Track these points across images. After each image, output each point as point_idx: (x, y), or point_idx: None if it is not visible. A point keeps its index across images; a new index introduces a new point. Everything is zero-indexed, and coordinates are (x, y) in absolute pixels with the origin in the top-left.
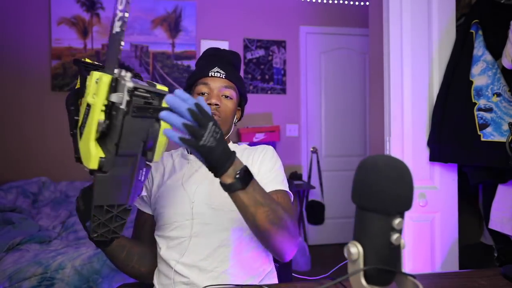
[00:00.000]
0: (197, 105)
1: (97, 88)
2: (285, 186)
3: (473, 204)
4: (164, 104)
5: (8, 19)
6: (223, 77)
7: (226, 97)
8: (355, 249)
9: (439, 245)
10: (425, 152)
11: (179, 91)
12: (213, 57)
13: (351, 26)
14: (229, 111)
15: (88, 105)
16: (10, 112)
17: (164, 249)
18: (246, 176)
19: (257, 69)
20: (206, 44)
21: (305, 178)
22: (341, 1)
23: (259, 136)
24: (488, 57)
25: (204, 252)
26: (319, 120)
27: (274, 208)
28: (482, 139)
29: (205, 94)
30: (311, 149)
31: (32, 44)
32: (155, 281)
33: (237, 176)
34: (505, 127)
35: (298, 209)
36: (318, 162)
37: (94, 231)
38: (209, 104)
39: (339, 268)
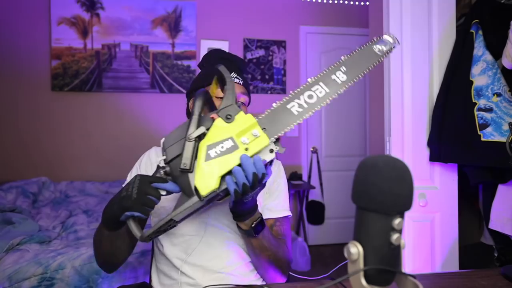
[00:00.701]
0: (262, 174)
1: (255, 142)
2: (288, 208)
3: (473, 204)
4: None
5: (8, 19)
6: (241, 83)
7: (242, 103)
8: (355, 249)
9: (439, 245)
10: (425, 152)
11: (257, 158)
12: (228, 62)
13: (351, 26)
14: None
15: (232, 139)
16: (10, 112)
17: (168, 247)
18: (259, 226)
19: (257, 69)
20: (206, 44)
21: (305, 178)
22: (341, 1)
23: None
24: (488, 57)
25: (212, 252)
26: (319, 120)
27: (275, 253)
28: (482, 139)
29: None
30: (311, 149)
31: (32, 44)
32: (154, 281)
33: (253, 226)
34: (505, 127)
35: (298, 209)
36: (318, 162)
37: (149, 237)
38: None
39: (339, 268)
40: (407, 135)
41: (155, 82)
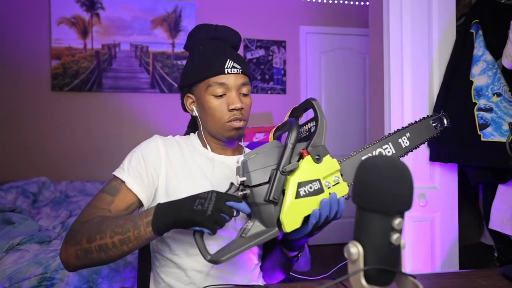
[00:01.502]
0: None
1: (336, 187)
2: None
3: (473, 204)
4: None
5: (8, 19)
6: (240, 72)
7: (244, 95)
8: (355, 249)
9: (439, 245)
10: (425, 152)
11: (341, 200)
12: (220, 44)
13: (351, 26)
14: (249, 109)
15: (319, 182)
16: (10, 112)
17: (184, 257)
18: (298, 258)
19: (257, 69)
20: None
21: None
22: (341, 1)
23: (259, 136)
24: (488, 57)
25: (235, 262)
26: None
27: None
28: (482, 139)
29: (223, 96)
30: None
31: (32, 44)
32: None
33: (299, 255)
34: (505, 127)
35: None
36: None
37: (224, 261)
38: (234, 109)
39: (339, 268)
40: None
41: (155, 82)
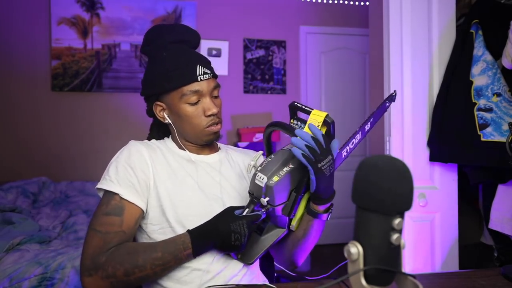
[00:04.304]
0: (322, 137)
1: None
2: None
3: (473, 204)
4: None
5: (8, 19)
6: (211, 77)
7: (215, 97)
8: (355, 249)
9: (439, 245)
10: (425, 152)
11: (313, 129)
12: (184, 48)
13: (351, 26)
14: (221, 108)
15: None
16: (10, 112)
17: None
18: (330, 212)
19: (257, 69)
20: (206, 44)
21: None
22: (341, 1)
23: (259, 136)
24: (488, 57)
25: (228, 259)
26: None
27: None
28: (482, 139)
29: (198, 102)
30: None
31: (32, 44)
32: None
33: (330, 211)
34: (505, 127)
35: None
36: None
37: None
38: (211, 115)
39: (339, 268)
40: (407, 135)
41: None
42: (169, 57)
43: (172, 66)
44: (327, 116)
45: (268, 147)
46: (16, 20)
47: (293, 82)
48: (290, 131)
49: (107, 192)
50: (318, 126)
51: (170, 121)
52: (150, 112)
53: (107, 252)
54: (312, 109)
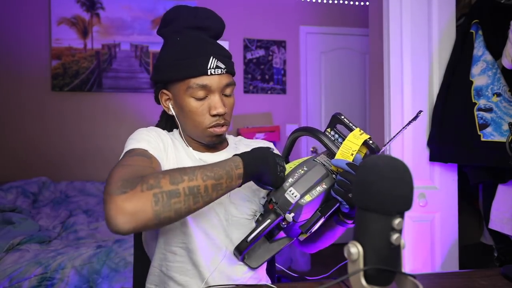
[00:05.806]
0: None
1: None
2: None
3: (473, 204)
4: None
5: (8, 19)
6: (224, 72)
7: (228, 96)
8: (355, 249)
9: (439, 245)
10: (425, 152)
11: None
12: (201, 36)
13: (351, 26)
14: (231, 110)
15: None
16: (10, 112)
17: (195, 251)
18: None
19: (257, 69)
20: None
21: None
22: (341, 1)
23: (259, 136)
24: (488, 57)
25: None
26: (319, 120)
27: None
28: (482, 139)
29: (205, 98)
30: (311, 149)
31: (32, 44)
32: None
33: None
34: (505, 127)
35: None
36: None
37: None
38: (217, 115)
39: (339, 268)
40: (407, 135)
41: None
42: (181, 44)
43: (182, 54)
44: (370, 139)
45: (289, 151)
46: (16, 20)
47: (293, 82)
48: (326, 143)
49: (131, 148)
50: (355, 152)
51: (174, 113)
52: (157, 100)
53: (146, 174)
54: (356, 127)
